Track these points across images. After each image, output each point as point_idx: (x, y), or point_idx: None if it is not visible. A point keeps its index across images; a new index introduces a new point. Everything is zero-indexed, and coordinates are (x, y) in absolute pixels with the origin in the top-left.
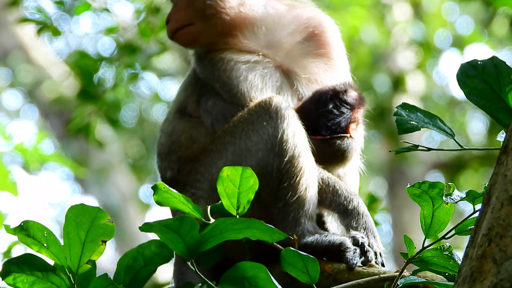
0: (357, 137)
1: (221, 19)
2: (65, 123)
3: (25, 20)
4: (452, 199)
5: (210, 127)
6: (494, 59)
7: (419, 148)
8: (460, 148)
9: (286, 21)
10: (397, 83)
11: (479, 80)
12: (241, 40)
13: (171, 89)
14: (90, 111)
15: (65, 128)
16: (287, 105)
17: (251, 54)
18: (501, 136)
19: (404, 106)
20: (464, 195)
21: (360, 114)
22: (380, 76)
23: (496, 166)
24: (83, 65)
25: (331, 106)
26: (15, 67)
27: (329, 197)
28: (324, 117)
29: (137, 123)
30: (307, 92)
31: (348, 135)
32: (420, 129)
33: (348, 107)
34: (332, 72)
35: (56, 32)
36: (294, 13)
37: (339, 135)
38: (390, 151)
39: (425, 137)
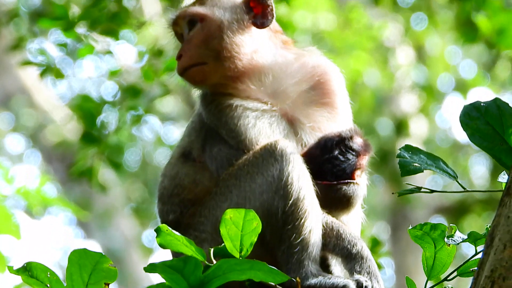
0: (362, 183)
1: (234, 63)
2: (67, 167)
3: (27, 63)
4: (454, 241)
5: (214, 172)
6: (497, 100)
7: (422, 190)
8: (463, 190)
9: (293, 70)
10: (400, 127)
11: (482, 121)
12: (249, 86)
13: (173, 133)
14: (92, 154)
15: (67, 172)
16: (292, 148)
17: (258, 102)
18: (503, 178)
19: (407, 148)
20: (466, 237)
21: (365, 160)
22: (383, 120)
23: (499, 207)
24: (86, 108)
25: (337, 152)
26: (18, 111)
27: (333, 241)
28: (330, 162)
29: (140, 167)
30: (310, 140)
31: (354, 181)
32: (423, 171)
33: (354, 153)
34: (336, 121)
35: (59, 75)
36: (301, 62)
37: (345, 181)
38: (393, 193)
39: (428, 181)
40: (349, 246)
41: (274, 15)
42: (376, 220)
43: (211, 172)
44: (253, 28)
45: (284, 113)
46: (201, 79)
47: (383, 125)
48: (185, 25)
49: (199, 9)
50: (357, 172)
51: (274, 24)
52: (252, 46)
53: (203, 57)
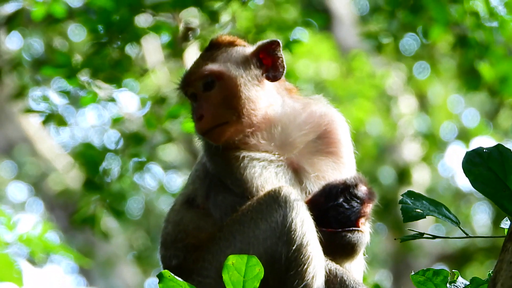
0: (366, 230)
1: (251, 119)
2: (70, 216)
3: (30, 110)
4: (457, 287)
5: (219, 220)
6: (499, 147)
7: (424, 235)
8: (465, 236)
9: (301, 120)
10: (403, 175)
11: (485, 167)
12: (259, 140)
13: (176, 181)
14: (95, 201)
15: (70, 220)
16: (296, 195)
17: (266, 153)
18: (505, 224)
19: (410, 194)
20: (468, 283)
21: (369, 208)
22: (385, 168)
23: (501, 253)
24: (88, 155)
25: (342, 199)
26: (21, 159)
27: None
28: (334, 210)
29: (142, 215)
30: (314, 189)
31: (358, 228)
32: (425, 217)
33: (358, 201)
34: (340, 170)
35: (61, 123)
36: (308, 111)
37: (350, 228)
38: (395, 239)
39: (431, 229)
40: None
41: (285, 67)
42: (378, 268)
43: (215, 219)
44: (266, 81)
45: (290, 162)
46: (224, 138)
47: (385, 173)
48: (200, 84)
49: (214, 68)
50: (362, 220)
51: None
52: (266, 99)
53: (225, 117)
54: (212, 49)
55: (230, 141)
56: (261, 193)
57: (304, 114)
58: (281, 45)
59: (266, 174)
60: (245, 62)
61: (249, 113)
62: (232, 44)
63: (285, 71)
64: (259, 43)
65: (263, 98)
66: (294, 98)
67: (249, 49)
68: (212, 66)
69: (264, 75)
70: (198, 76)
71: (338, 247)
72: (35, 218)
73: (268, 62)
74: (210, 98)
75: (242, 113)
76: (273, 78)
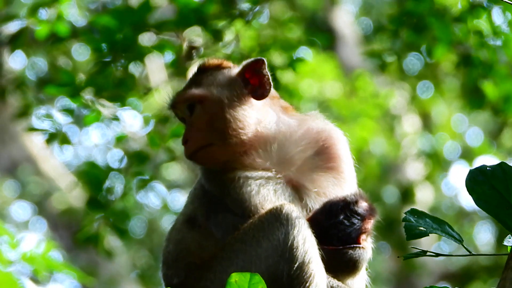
0: (368, 247)
1: (240, 139)
2: (73, 234)
3: (33, 129)
4: None
5: (220, 239)
6: (502, 165)
7: (428, 253)
8: (468, 253)
9: (297, 137)
10: (406, 195)
11: (488, 186)
12: (254, 159)
13: (180, 200)
14: (98, 220)
15: (73, 239)
16: (297, 213)
17: (263, 171)
18: (508, 241)
19: (413, 212)
20: None
21: (371, 224)
22: (389, 188)
23: (505, 270)
24: (92, 174)
25: (342, 217)
26: (24, 179)
27: None
28: (335, 227)
29: (146, 234)
30: (315, 205)
31: (360, 245)
32: (428, 235)
33: (359, 217)
34: (341, 185)
35: (65, 141)
36: (305, 128)
37: (351, 245)
38: (398, 257)
39: (434, 248)
40: None
41: (271, 84)
42: (382, 286)
43: (217, 238)
44: (253, 100)
45: (289, 179)
46: (211, 160)
47: (389, 193)
48: (185, 109)
49: (196, 92)
50: (363, 236)
51: (271, 91)
52: (255, 118)
53: (209, 139)
54: (199, 73)
55: (222, 163)
56: (262, 211)
57: (301, 130)
58: (266, 63)
59: (264, 192)
60: (229, 83)
61: (237, 132)
62: (218, 67)
63: (271, 88)
64: (244, 63)
65: (251, 117)
66: (289, 115)
67: (235, 70)
68: (195, 90)
69: (250, 94)
70: (181, 100)
71: (340, 264)
72: (39, 237)
73: (255, 82)
74: (195, 122)
75: (227, 133)
76: (261, 96)
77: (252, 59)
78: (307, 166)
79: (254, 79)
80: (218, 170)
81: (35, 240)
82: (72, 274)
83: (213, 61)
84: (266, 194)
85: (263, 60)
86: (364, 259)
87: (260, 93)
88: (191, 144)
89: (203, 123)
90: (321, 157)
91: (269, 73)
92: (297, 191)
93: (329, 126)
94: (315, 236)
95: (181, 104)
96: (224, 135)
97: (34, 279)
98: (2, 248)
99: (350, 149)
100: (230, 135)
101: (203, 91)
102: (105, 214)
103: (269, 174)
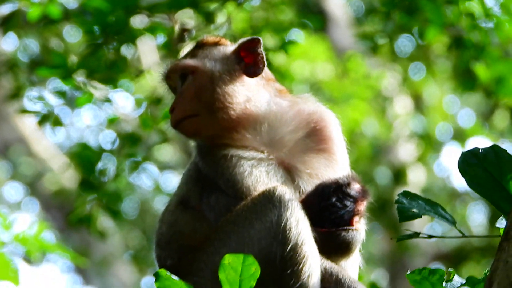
0: (361, 228)
1: (227, 114)
2: (66, 215)
3: (26, 111)
4: (453, 285)
5: (213, 221)
6: (495, 147)
7: (420, 235)
8: (461, 235)
9: (288, 117)
10: (398, 176)
11: (480, 168)
12: (244, 136)
13: (172, 181)
14: (91, 201)
15: (66, 220)
16: (290, 194)
17: (255, 151)
18: (500, 223)
19: (406, 194)
20: (464, 282)
21: (363, 206)
22: (381, 169)
23: (498, 252)
24: (84, 156)
25: (334, 199)
26: (16, 159)
27: (332, 287)
28: (327, 210)
29: (138, 215)
30: (308, 187)
31: (353, 227)
32: (421, 217)
33: (352, 200)
34: (333, 167)
35: (57, 123)
36: (296, 109)
37: (344, 227)
38: (391, 239)
39: (426, 228)
40: None
41: (265, 63)
42: (375, 267)
43: (210, 220)
44: (245, 78)
45: (281, 161)
46: (195, 131)
47: (381, 174)
48: (177, 78)
49: (189, 62)
50: (356, 218)
51: (267, 73)
52: (245, 95)
53: (196, 110)
54: (196, 48)
55: (208, 137)
56: (254, 193)
57: (292, 111)
58: (261, 42)
59: (256, 173)
60: (223, 59)
61: (224, 106)
62: (215, 43)
63: (265, 67)
64: (240, 41)
65: (241, 93)
66: (282, 97)
67: (231, 47)
68: (189, 61)
69: (243, 71)
70: (174, 69)
71: (333, 246)
72: (31, 217)
73: (249, 60)
74: (185, 92)
75: (214, 106)
76: (253, 74)
77: (248, 37)
78: (298, 148)
79: (248, 57)
80: (211, 148)
81: (28, 221)
82: (64, 255)
83: (211, 38)
84: (258, 175)
85: (259, 39)
86: (357, 241)
87: (253, 71)
88: (177, 113)
89: (192, 93)
90: (313, 138)
91: (263, 53)
92: (289, 173)
93: (321, 108)
94: (308, 218)
95: (174, 74)
96: (211, 107)
97: (27, 260)
98: None
99: (342, 130)
100: (216, 107)
101: (196, 62)
102: (98, 195)
103: (261, 155)
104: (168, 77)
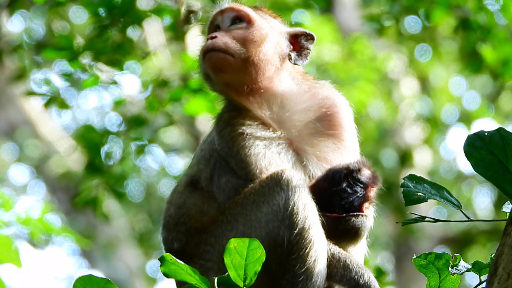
0: (370, 215)
1: (257, 73)
2: (71, 198)
3: (31, 93)
4: (458, 270)
5: (222, 203)
6: (500, 130)
7: (426, 219)
8: (467, 219)
9: (302, 99)
10: (404, 158)
11: (486, 151)
12: (257, 103)
13: (177, 164)
14: (97, 184)
15: (71, 202)
16: (298, 178)
17: (267, 129)
18: (507, 207)
19: (411, 177)
20: (470, 266)
21: (373, 192)
22: (387, 151)
23: (503, 237)
24: (90, 138)
25: (345, 184)
26: (22, 142)
27: (340, 272)
28: (338, 195)
29: (144, 197)
30: (315, 169)
31: (363, 213)
32: (427, 201)
33: (362, 186)
34: (341, 153)
35: (63, 105)
36: (311, 93)
37: (354, 213)
38: (397, 222)
39: (432, 211)
40: (356, 276)
41: (308, 60)
42: (380, 250)
43: (219, 202)
44: (286, 60)
45: (290, 142)
46: (220, 67)
47: (387, 156)
48: (228, 18)
49: (253, 13)
50: (365, 204)
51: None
52: (278, 71)
53: (234, 51)
54: (255, 8)
55: (225, 82)
56: (264, 176)
57: (307, 94)
58: (315, 40)
59: (269, 155)
60: (279, 32)
61: (258, 66)
62: (275, 16)
63: (306, 63)
64: (299, 28)
65: (276, 67)
66: (302, 80)
67: (286, 28)
68: (252, 12)
69: (288, 52)
70: (236, 9)
71: (342, 231)
72: (37, 200)
73: (296, 48)
74: (233, 32)
75: (251, 59)
76: (294, 61)
77: (306, 30)
78: (307, 130)
79: (296, 46)
80: (229, 123)
81: (33, 203)
82: (70, 237)
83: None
84: (271, 157)
85: (314, 36)
86: (366, 227)
87: (295, 60)
88: (218, 42)
89: (240, 36)
90: (323, 123)
91: (312, 50)
92: (298, 155)
93: (336, 95)
94: (317, 203)
95: (232, 12)
96: (249, 58)
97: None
98: (0, 211)
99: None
100: (252, 62)
101: (259, 18)
102: (103, 178)
103: (273, 134)
104: (221, 13)
